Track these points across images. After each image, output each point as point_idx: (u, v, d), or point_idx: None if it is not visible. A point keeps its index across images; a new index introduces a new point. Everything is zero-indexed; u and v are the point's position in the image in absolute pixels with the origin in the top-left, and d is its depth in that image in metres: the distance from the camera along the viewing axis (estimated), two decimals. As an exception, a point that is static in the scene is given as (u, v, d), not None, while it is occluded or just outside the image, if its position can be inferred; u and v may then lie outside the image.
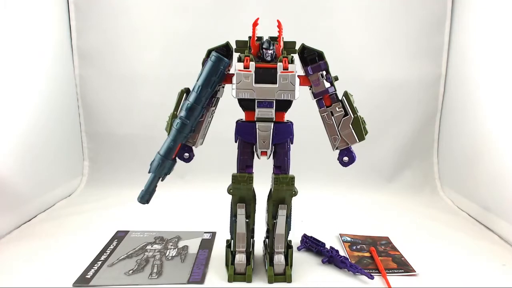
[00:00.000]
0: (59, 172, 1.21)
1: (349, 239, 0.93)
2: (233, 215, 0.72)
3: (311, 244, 0.85)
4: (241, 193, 0.71)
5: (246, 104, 0.67)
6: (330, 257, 0.79)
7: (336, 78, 0.69)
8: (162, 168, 0.68)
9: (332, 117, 0.69)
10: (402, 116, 1.36)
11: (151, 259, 0.80)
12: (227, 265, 0.76)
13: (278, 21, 0.66)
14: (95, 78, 1.32)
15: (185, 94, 0.68)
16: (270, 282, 0.72)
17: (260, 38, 0.68)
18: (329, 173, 1.32)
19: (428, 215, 1.13)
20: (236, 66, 0.66)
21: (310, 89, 0.70)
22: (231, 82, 0.67)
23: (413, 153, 1.38)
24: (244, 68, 0.65)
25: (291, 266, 0.74)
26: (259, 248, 0.83)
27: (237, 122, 0.70)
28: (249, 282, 0.72)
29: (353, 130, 0.68)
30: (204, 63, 0.67)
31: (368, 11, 1.29)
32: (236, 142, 0.70)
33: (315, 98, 0.69)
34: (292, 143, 0.70)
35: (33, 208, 1.05)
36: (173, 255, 0.83)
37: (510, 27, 1.00)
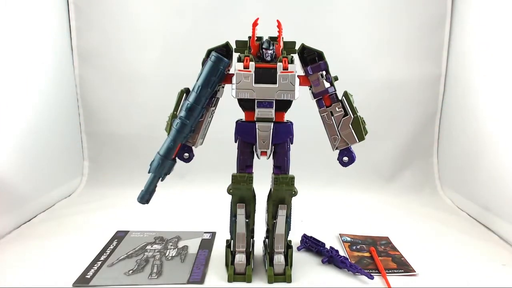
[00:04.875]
0: (59, 172, 1.21)
1: (349, 239, 0.93)
2: (233, 215, 0.72)
3: (311, 244, 0.85)
4: (241, 193, 0.71)
5: (246, 104, 0.67)
6: (330, 257, 0.79)
7: (336, 78, 0.69)
8: (162, 168, 0.68)
9: (332, 117, 0.69)
10: (402, 116, 1.36)
11: (151, 259, 0.80)
12: (227, 265, 0.76)
13: (278, 21, 0.66)
14: (95, 78, 1.32)
15: (185, 94, 0.68)
16: (270, 282, 0.72)
17: (260, 38, 0.68)
18: (329, 173, 1.33)
19: (428, 215, 1.13)
20: (236, 66, 0.66)
21: (310, 89, 0.70)
22: (231, 82, 0.67)
23: (413, 153, 1.38)
24: (244, 68, 0.66)
25: (291, 266, 0.74)
26: (259, 248, 0.83)
27: (237, 122, 0.70)
28: (249, 282, 0.72)
29: (353, 130, 0.68)
30: (204, 63, 0.67)
31: (368, 11, 1.29)
32: (236, 142, 0.70)
33: (315, 98, 0.69)
34: (292, 143, 0.70)
35: (33, 208, 1.05)
36: (173, 255, 0.83)
37: (510, 27, 1.00)
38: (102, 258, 0.80)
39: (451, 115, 1.30)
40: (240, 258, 0.72)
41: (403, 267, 0.79)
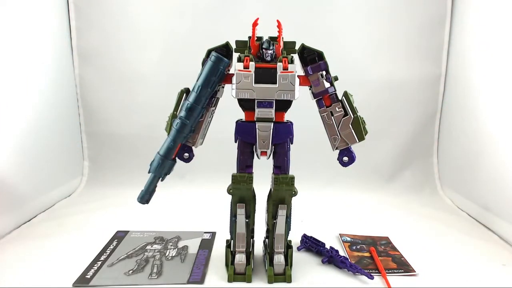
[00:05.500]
0: (59, 172, 1.21)
1: (349, 239, 0.93)
2: (233, 215, 0.72)
3: (311, 244, 0.85)
4: (241, 193, 0.71)
5: (246, 104, 0.67)
6: (330, 257, 0.79)
7: (336, 78, 0.69)
8: (162, 168, 0.68)
9: (332, 117, 0.69)
10: (402, 116, 1.36)
11: (151, 259, 0.80)
12: (227, 265, 0.76)
13: (278, 21, 0.66)
14: (95, 78, 1.32)
15: (185, 94, 0.68)
16: (270, 282, 0.72)
17: (260, 38, 0.68)
18: (329, 173, 1.33)
19: (428, 215, 1.13)
20: (236, 66, 0.66)
21: (310, 89, 0.70)
22: (231, 82, 0.67)
23: (413, 153, 1.38)
24: (244, 68, 0.65)
25: (291, 266, 0.74)
26: (259, 248, 0.83)
27: (237, 122, 0.70)
28: (249, 282, 0.72)
29: (353, 130, 0.68)
30: (204, 63, 0.67)
31: (368, 11, 1.29)
32: (236, 142, 0.70)
33: (315, 98, 0.69)
34: (292, 143, 0.70)
35: (33, 208, 1.05)
36: (173, 255, 0.83)
37: (510, 27, 1.00)
38: (102, 258, 0.80)
39: (451, 115, 1.30)
40: (240, 258, 0.72)
41: (403, 267, 0.79)
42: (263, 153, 0.70)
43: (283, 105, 0.67)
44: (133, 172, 1.28)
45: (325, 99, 0.69)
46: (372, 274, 0.74)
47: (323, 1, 1.29)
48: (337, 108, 0.69)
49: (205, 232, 0.94)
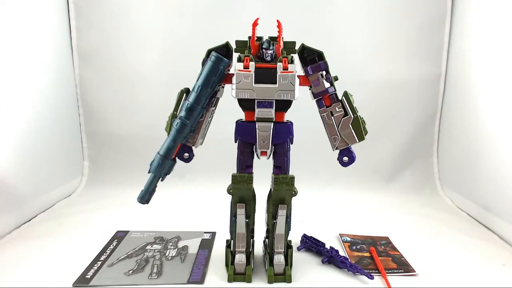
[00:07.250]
0: (59, 172, 1.21)
1: (349, 239, 0.93)
2: (233, 215, 0.72)
3: (311, 244, 0.85)
4: (241, 193, 0.71)
5: (246, 104, 0.67)
6: (330, 257, 0.79)
7: (336, 78, 0.69)
8: (162, 168, 0.68)
9: (332, 117, 0.69)
10: (402, 116, 1.36)
11: (151, 259, 0.80)
12: (227, 265, 0.76)
13: (278, 21, 0.67)
14: (95, 78, 1.32)
15: (185, 94, 0.68)
16: (270, 282, 0.72)
17: (260, 38, 0.68)
18: (329, 173, 1.33)
19: (428, 215, 1.13)
20: (236, 66, 0.66)
21: (310, 89, 0.70)
22: (231, 82, 0.67)
23: (413, 153, 1.38)
24: (244, 68, 0.66)
25: (291, 266, 0.74)
26: (259, 248, 0.83)
27: (237, 122, 0.70)
28: (249, 282, 0.72)
29: (353, 130, 0.68)
30: (204, 63, 0.67)
31: (369, 11, 1.29)
32: (236, 142, 0.70)
33: (315, 98, 0.69)
34: (292, 143, 0.70)
35: (33, 208, 1.05)
36: (173, 255, 0.83)
37: (509, 27, 1.00)
38: (102, 258, 0.80)
39: (451, 115, 1.30)
40: (240, 258, 0.72)
41: (403, 267, 0.79)
42: (263, 153, 0.70)
43: (283, 105, 0.67)
44: (133, 172, 1.28)
45: (325, 99, 0.69)
46: (372, 274, 0.74)
47: (323, 1, 1.29)
48: (337, 108, 0.69)
49: (205, 232, 0.94)
